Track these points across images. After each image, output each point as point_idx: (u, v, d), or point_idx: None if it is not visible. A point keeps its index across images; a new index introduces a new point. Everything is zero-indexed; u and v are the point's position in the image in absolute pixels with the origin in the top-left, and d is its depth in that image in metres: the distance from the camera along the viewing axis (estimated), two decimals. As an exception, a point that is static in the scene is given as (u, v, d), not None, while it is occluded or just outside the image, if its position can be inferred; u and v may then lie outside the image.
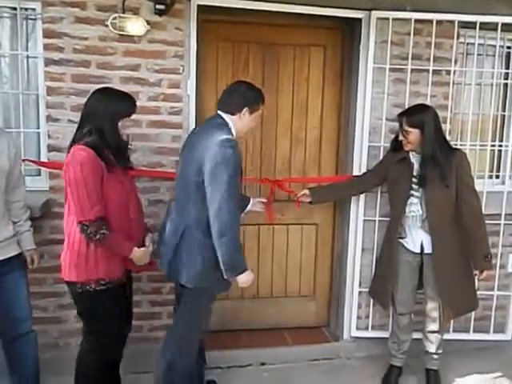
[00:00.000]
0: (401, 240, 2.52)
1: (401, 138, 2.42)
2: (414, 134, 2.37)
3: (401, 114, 2.43)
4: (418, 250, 2.49)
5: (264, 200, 2.59)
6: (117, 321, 2.09)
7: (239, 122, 2.10)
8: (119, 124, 1.96)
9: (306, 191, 2.64)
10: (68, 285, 2.01)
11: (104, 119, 1.92)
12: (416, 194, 2.44)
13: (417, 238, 2.48)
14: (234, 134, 2.08)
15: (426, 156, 2.36)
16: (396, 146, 2.52)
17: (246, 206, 2.50)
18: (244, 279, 2.05)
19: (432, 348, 2.62)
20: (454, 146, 2.49)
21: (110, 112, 1.93)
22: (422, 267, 2.52)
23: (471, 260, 2.47)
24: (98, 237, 1.89)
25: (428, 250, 2.46)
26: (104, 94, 1.98)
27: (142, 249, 2.07)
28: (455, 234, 2.45)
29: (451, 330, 2.94)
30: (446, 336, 2.85)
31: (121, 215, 2.00)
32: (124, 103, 1.98)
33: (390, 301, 2.59)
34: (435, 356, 2.63)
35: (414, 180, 2.44)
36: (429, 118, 2.36)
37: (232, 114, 2.10)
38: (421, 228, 2.46)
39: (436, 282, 2.46)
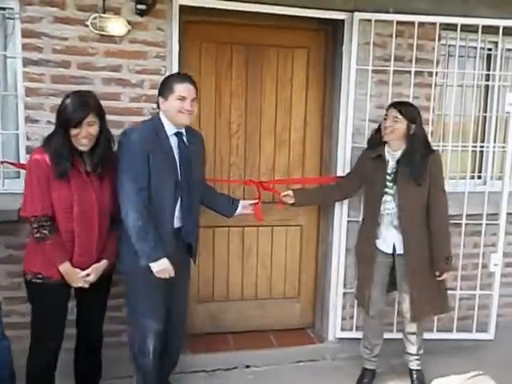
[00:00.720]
0: (375, 241, 2.52)
1: (388, 123, 2.39)
2: (401, 124, 2.37)
3: (392, 103, 2.45)
4: (390, 251, 2.49)
5: (253, 202, 2.57)
6: (57, 321, 2.06)
7: (165, 112, 2.16)
8: (75, 131, 1.94)
9: (290, 192, 2.63)
10: None
11: (56, 126, 1.98)
12: (390, 191, 2.44)
13: (389, 239, 2.48)
14: (166, 124, 2.15)
15: (409, 151, 2.37)
16: (373, 143, 2.53)
17: (235, 209, 2.49)
18: (156, 268, 2.07)
19: (412, 349, 2.62)
20: (432, 148, 2.49)
21: (59, 119, 1.96)
22: (394, 268, 2.52)
23: (433, 261, 2.45)
24: (38, 235, 1.94)
25: (400, 250, 2.46)
26: (64, 100, 1.98)
27: (74, 269, 2.01)
28: (427, 234, 2.45)
29: (435, 329, 2.96)
30: (430, 335, 2.89)
31: (63, 225, 1.98)
32: (69, 112, 1.93)
33: (370, 304, 2.57)
34: (416, 356, 2.64)
35: (388, 177, 2.45)
36: (417, 115, 2.40)
37: (159, 109, 2.20)
38: (394, 227, 2.46)
39: (406, 282, 2.46)
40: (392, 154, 2.46)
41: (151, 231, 2.05)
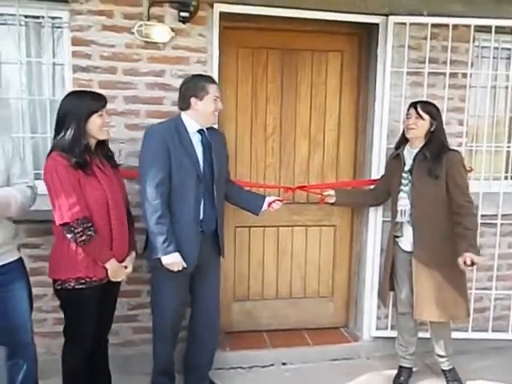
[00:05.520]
0: (397, 239, 2.57)
1: (411, 121, 2.43)
2: (424, 121, 2.43)
3: (414, 102, 2.50)
4: (410, 249, 2.51)
5: (276, 198, 2.58)
6: (92, 321, 2.06)
7: (197, 113, 2.24)
8: (95, 122, 1.98)
9: (332, 192, 2.72)
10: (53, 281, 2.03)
11: (71, 121, 1.94)
12: (404, 188, 2.50)
13: (407, 236, 2.51)
14: (188, 122, 2.24)
15: (425, 145, 2.43)
16: (397, 144, 2.62)
17: (261, 205, 2.53)
18: (165, 261, 2.18)
19: (440, 351, 2.61)
20: (451, 148, 2.50)
21: (74, 113, 1.95)
22: None
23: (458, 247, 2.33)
24: (83, 238, 1.91)
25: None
26: (68, 98, 2.01)
27: (119, 264, 2.05)
28: (440, 234, 2.42)
29: (469, 329, 2.96)
30: (464, 335, 2.90)
31: (100, 222, 1.98)
32: (85, 102, 1.98)
33: (388, 299, 2.67)
34: (446, 358, 2.62)
35: (403, 175, 2.50)
36: (438, 114, 2.47)
37: (185, 110, 2.26)
38: (409, 224, 2.49)
39: (413, 278, 2.45)
40: (411, 152, 2.51)
41: (165, 225, 2.14)
